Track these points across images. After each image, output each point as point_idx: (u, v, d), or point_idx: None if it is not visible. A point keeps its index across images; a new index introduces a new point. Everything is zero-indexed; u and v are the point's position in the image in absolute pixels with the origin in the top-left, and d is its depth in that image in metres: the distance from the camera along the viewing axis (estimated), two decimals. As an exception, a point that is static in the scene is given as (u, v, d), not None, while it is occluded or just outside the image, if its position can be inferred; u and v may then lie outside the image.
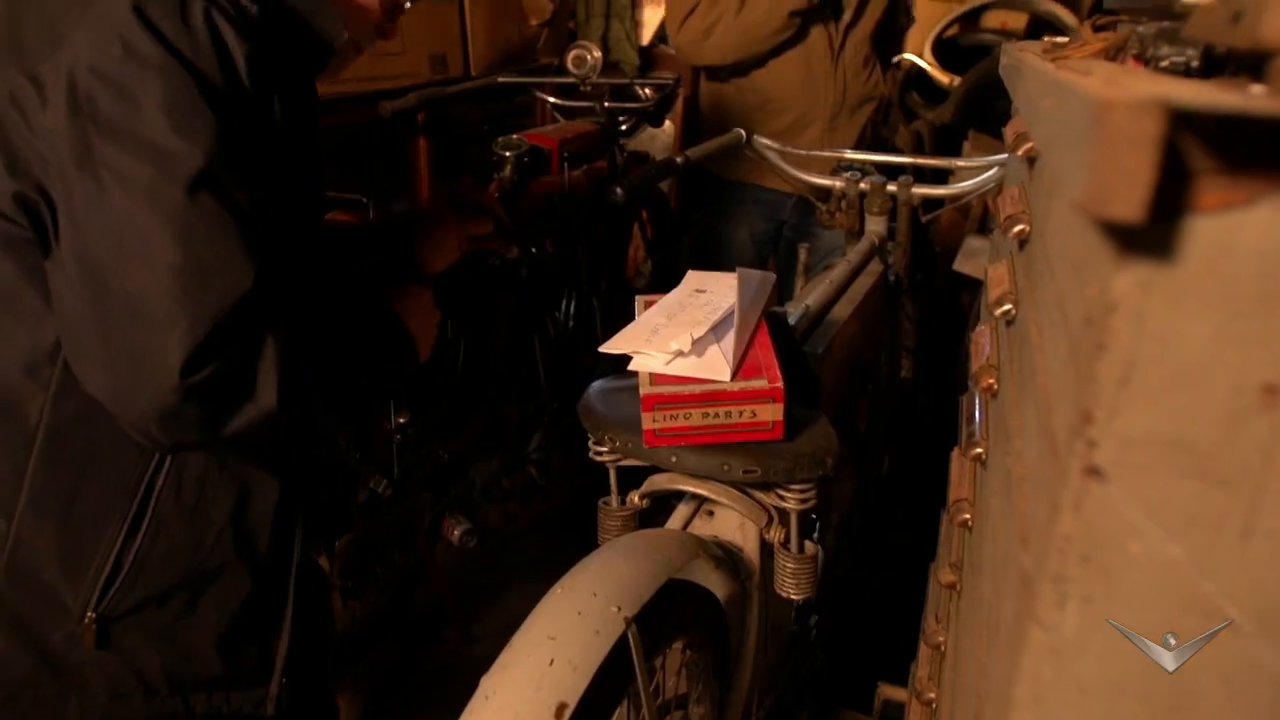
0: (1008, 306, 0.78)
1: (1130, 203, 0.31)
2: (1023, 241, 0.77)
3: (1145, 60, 0.65)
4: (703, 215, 2.78)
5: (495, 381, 2.30)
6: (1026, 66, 0.71)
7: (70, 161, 0.83)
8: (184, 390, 0.83)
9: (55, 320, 0.91)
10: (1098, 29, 0.74)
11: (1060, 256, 0.54)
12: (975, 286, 2.77)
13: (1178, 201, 0.34)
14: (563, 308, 2.60)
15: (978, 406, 0.91)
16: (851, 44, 2.43)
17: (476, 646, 2.16)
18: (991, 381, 0.81)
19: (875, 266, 1.90)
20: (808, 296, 1.57)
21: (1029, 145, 0.75)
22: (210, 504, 1.03)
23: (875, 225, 1.96)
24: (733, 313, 1.16)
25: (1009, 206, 0.81)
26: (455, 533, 2.16)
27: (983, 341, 0.88)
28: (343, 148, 2.79)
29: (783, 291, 2.64)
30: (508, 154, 2.32)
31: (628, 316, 2.80)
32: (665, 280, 3.11)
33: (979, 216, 2.68)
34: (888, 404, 2.05)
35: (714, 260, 2.75)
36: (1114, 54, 0.68)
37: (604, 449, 1.16)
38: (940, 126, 4.12)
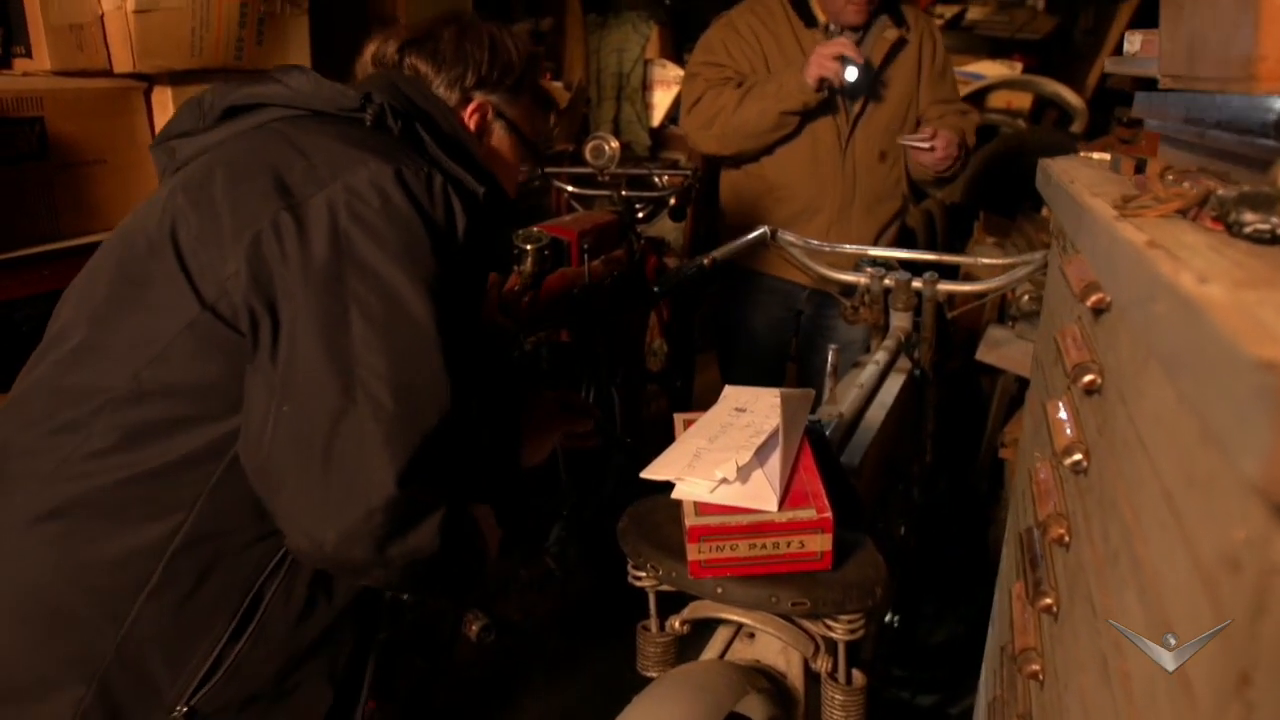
0: (1078, 457, 0.75)
1: (1316, 491, 0.29)
2: (1089, 390, 0.75)
3: (1227, 225, 0.64)
4: (717, 301, 2.78)
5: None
6: (1100, 223, 0.70)
7: (320, 288, 0.96)
8: (389, 501, 0.93)
9: (237, 420, 0.99)
10: (1165, 175, 0.73)
11: (1163, 450, 0.52)
12: (994, 372, 2.76)
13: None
14: (581, 396, 2.58)
15: (1039, 549, 0.88)
16: (862, 136, 2.38)
17: (496, 752, 2.10)
18: (1061, 533, 0.78)
19: (903, 363, 1.89)
20: (841, 403, 1.55)
21: (1099, 297, 0.73)
22: (310, 620, 1.07)
23: (900, 321, 1.95)
24: (776, 435, 1.14)
25: (1073, 351, 0.79)
26: (473, 629, 2.11)
27: (1047, 486, 0.85)
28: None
29: (806, 384, 2.63)
30: (528, 247, 2.32)
31: (644, 405, 2.74)
32: (678, 362, 3.12)
33: (997, 304, 2.67)
34: (918, 501, 2.02)
35: (728, 346, 2.74)
36: (1191, 213, 0.67)
37: (643, 574, 1.13)
38: (951, 206, 4.15)
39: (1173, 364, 0.43)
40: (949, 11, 4.94)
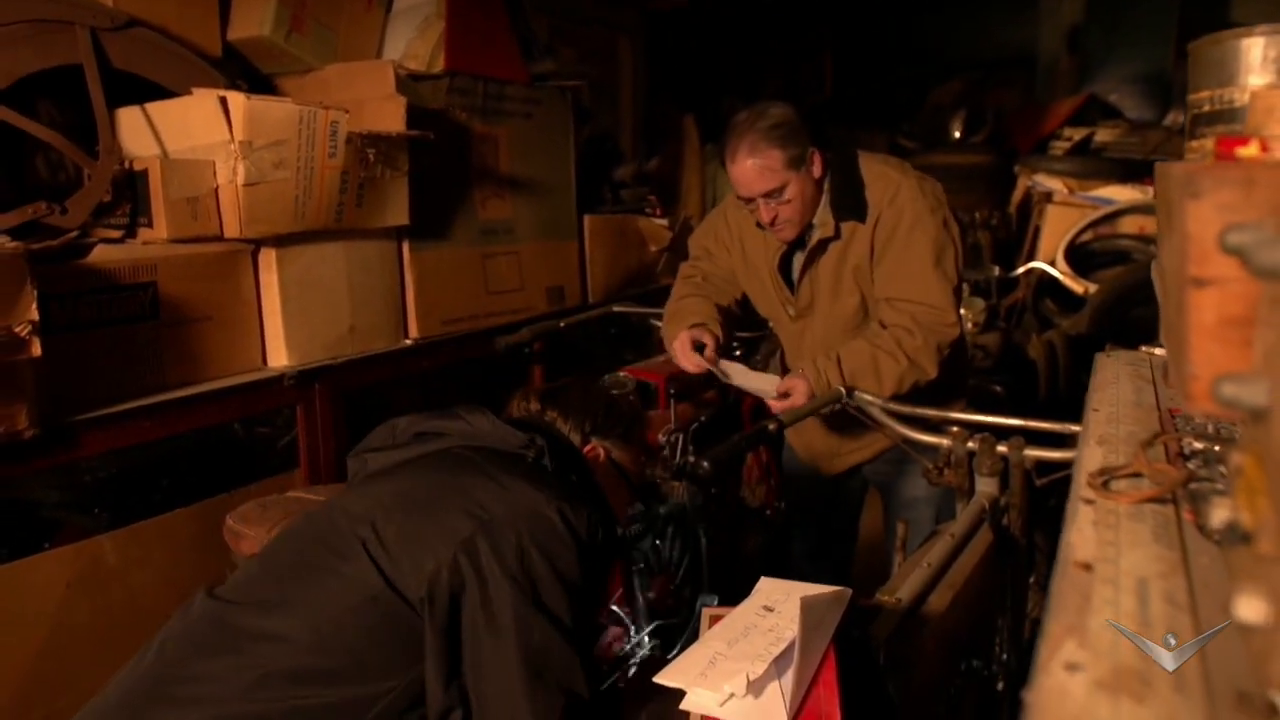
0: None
1: None
2: None
3: (1198, 525, 0.59)
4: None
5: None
6: (1075, 498, 0.66)
7: (508, 591, 1.19)
8: None
9: (384, 683, 1.20)
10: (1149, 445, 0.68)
11: None
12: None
13: None
14: (668, 541, 2.55)
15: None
16: (820, 333, 2.17)
17: None
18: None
19: (984, 535, 1.78)
20: (901, 586, 1.47)
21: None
22: None
23: (986, 486, 1.85)
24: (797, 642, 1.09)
25: None
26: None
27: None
28: (465, 378, 2.91)
29: (893, 515, 2.51)
30: (614, 393, 2.34)
31: (743, 541, 2.62)
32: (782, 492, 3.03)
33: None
34: (1004, 678, 1.88)
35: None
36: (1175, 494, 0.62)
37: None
38: (1075, 337, 3.96)
39: None
40: (1077, 134, 4.82)
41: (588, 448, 1.53)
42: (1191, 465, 0.68)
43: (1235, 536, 0.39)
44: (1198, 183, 0.47)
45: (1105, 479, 0.67)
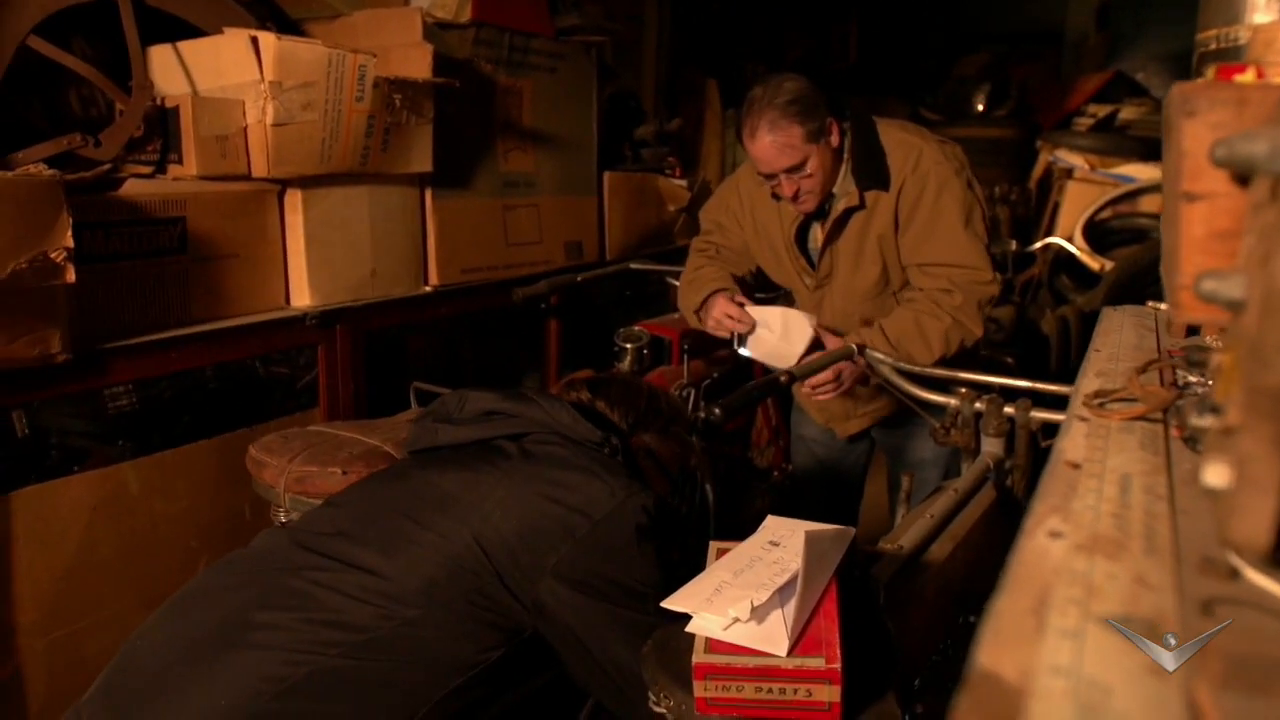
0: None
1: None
2: None
3: (1184, 438, 0.62)
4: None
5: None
6: (1071, 413, 0.69)
7: (617, 568, 1.31)
8: None
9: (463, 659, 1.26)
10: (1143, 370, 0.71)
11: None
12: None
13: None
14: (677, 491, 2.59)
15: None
16: (840, 304, 2.17)
17: None
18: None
19: (988, 492, 1.82)
20: (903, 535, 1.51)
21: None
22: None
23: (992, 446, 1.88)
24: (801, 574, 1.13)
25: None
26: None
27: None
28: (482, 327, 2.96)
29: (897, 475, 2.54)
30: (628, 346, 2.38)
31: (749, 502, 2.69)
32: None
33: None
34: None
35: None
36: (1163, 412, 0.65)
37: (659, 704, 1.13)
38: (1089, 313, 3.97)
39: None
40: (1101, 111, 4.79)
41: (633, 439, 1.56)
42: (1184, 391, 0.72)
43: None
44: (1193, 102, 0.50)
45: (1100, 401, 0.70)
